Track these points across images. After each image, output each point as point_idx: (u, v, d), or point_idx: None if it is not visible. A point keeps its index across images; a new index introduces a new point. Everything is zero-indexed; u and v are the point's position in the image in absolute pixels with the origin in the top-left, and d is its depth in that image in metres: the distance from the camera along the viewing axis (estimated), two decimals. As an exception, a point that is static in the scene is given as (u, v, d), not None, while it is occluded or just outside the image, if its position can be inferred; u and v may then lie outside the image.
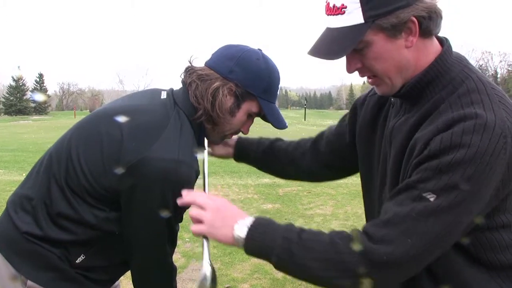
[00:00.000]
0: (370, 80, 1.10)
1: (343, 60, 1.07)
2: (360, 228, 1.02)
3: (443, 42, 1.09)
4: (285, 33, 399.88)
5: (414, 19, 0.98)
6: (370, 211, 1.32)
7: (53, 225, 1.29)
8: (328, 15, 1.03)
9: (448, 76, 1.04)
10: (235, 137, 1.62)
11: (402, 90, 1.08)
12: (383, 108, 1.27)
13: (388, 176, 1.15)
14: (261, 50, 1.42)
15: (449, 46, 1.08)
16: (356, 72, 1.10)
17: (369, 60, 1.04)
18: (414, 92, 1.07)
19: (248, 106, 1.38)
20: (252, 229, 1.05)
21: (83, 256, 1.32)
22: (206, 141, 1.48)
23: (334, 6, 1.01)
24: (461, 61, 1.07)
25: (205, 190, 1.35)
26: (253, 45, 1.42)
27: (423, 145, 0.98)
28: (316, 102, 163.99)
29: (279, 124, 1.42)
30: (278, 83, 1.42)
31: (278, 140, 1.67)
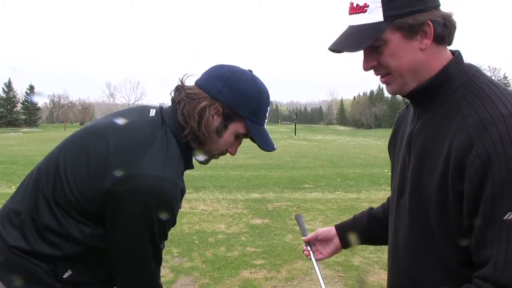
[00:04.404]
0: (383, 79, 1.14)
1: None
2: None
3: (454, 53, 1.15)
4: (285, 34, 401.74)
5: (430, 23, 1.04)
6: (391, 219, 1.30)
7: (40, 239, 1.29)
8: (350, 14, 1.10)
9: (460, 79, 1.09)
10: (332, 229, 1.61)
11: (415, 90, 1.12)
12: (402, 118, 1.33)
13: (408, 183, 1.17)
14: (252, 71, 1.42)
15: (460, 55, 1.14)
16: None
17: (385, 57, 1.08)
18: (426, 93, 1.11)
19: (236, 127, 1.38)
20: None
21: (70, 271, 1.31)
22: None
23: (357, 5, 1.08)
24: (472, 67, 1.13)
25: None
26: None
27: (461, 160, 0.98)
28: (307, 116, 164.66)
29: (267, 146, 1.41)
30: (267, 105, 1.42)
31: (371, 209, 1.62)
